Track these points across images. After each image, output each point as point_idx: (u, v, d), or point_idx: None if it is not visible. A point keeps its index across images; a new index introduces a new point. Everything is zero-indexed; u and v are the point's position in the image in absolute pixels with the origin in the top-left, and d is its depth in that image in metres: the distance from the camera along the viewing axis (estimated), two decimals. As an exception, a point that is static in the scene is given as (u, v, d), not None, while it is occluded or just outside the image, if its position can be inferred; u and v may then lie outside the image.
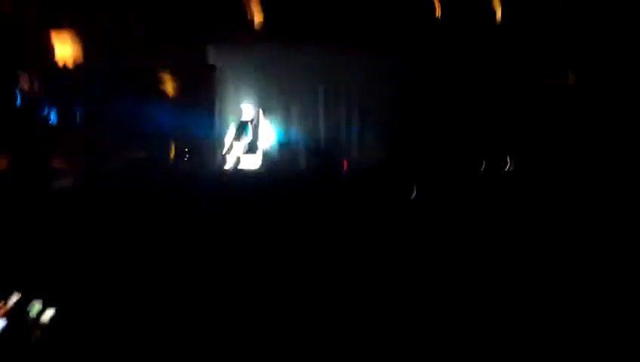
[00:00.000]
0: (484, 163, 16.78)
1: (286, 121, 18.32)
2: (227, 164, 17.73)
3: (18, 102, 16.12)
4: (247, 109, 18.19)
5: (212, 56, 18.19)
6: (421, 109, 17.93)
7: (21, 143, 14.83)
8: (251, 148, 18.03)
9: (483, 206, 14.56)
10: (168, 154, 16.67)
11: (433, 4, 18.27)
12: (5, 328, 9.02)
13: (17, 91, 16.48)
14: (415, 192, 15.57)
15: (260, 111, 18.27)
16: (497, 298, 11.33)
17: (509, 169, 16.71)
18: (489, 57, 17.69)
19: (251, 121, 18.20)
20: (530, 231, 13.34)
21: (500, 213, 14.21)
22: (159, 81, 17.71)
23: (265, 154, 18.06)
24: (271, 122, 18.26)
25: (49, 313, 9.45)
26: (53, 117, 15.72)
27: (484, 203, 14.69)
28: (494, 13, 18.09)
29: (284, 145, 18.15)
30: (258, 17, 18.91)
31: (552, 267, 12.12)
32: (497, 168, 16.71)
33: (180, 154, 16.86)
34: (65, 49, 17.46)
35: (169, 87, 17.89)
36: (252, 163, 17.82)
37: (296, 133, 18.28)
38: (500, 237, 13.23)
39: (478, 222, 13.85)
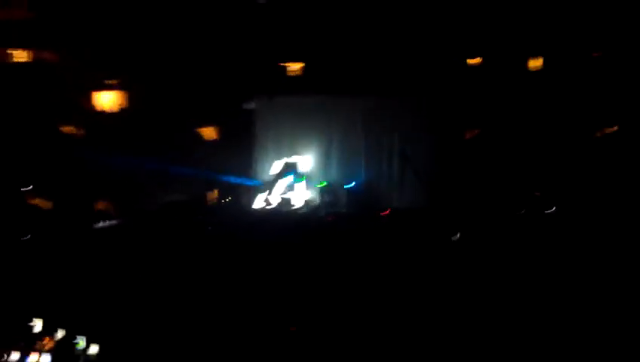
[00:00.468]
0: (524, 206, 16.70)
1: (326, 165, 18.49)
2: (268, 205, 17.87)
3: (63, 147, 16.57)
4: (289, 154, 18.41)
5: (254, 103, 18.58)
6: (461, 154, 17.98)
7: (66, 186, 15.14)
8: (292, 191, 18.17)
9: (523, 248, 14.46)
10: (209, 197, 16.87)
11: (471, 54, 18.50)
12: (51, 364, 9.12)
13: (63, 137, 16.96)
14: (457, 235, 15.53)
15: (301, 156, 18.47)
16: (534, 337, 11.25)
17: (549, 212, 16.60)
18: (529, 105, 17.75)
19: (293, 165, 18.38)
20: (567, 272, 13.26)
21: (541, 255, 14.10)
22: (201, 127, 18.11)
23: (306, 197, 18.18)
24: (311, 167, 18.43)
25: (93, 349, 9.53)
26: (99, 162, 16.09)
27: (525, 246, 14.58)
28: (534, 64, 18.23)
29: (324, 189, 18.26)
30: (298, 66, 19.32)
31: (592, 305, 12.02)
32: (537, 212, 16.60)
33: (221, 196, 17.06)
34: (110, 101, 18.17)
35: (212, 132, 18.26)
36: (293, 205, 17.93)
37: (336, 176, 18.41)
38: (541, 279, 13.13)
39: (518, 263, 13.75)
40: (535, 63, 18.20)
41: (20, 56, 19.15)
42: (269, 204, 17.81)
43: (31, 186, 14.61)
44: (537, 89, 17.77)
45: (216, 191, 17.00)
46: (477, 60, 18.52)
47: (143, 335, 10.35)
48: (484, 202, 16.92)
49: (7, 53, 19.02)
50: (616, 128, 17.20)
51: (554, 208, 16.60)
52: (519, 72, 17.93)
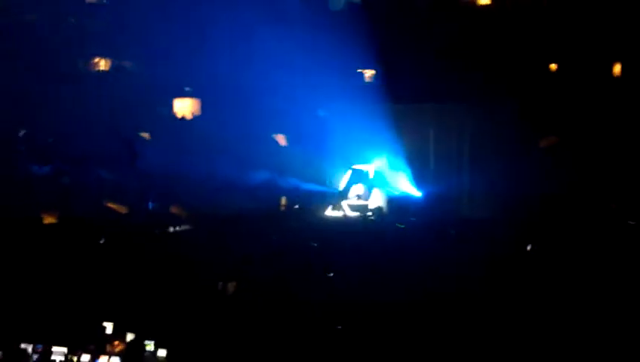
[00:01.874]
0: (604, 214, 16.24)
1: (397, 173, 18.41)
2: (339, 213, 17.91)
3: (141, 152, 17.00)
4: (360, 162, 18.42)
5: (326, 110, 18.69)
6: (537, 163, 17.63)
7: (141, 190, 15.48)
8: (362, 200, 18.15)
9: (599, 261, 14.05)
10: (279, 204, 17.03)
11: (548, 53, 18.14)
12: (120, 366, 9.34)
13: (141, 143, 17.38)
14: (531, 246, 15.20)
15: (372, 164, 18.45)
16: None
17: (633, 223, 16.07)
18: (609, 112, 17.28)
19: (363, 173, 18.38)
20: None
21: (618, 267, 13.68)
22: (274, 134, 18.32)
23: (375, 205, 18.13)
24: (383, 175, 18.39)
25: (162, 352, 9.70)
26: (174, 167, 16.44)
27: (601, 258, 14.16)
28: (611, 66, 17.77)
29: (394, 197, 18.19)
30: (370, 73, 19.36)
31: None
32: (614, 223, 16.09)
33: (292, 203, 17.20)
34: (186, 108, 18.68)
35: (284, 139, 18.46)
36: (363, 213, 17.91)
37: (406, 184, 18.31)
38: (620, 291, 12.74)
39: (593, 275, 13.38)
40: (618, 69, 17.78)
41: (102, 64, 19.82)
42: (339, 211, 17.84)
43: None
44: (618, 96, 17.33)
45: (284, 199, 17.13)
46: (555, 66, 18.22)
47: (211, 340, 10.49)
48: (559, 213, 16.52)
49: (91, 62, 19.70)
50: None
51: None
52: (600, 78, 17.53)
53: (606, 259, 13.99)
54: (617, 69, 17.88)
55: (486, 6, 18.65)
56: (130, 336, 9.83)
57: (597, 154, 17.09)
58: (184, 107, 19.04)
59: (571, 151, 17.30)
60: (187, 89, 19.07)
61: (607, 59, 17.66)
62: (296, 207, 17.15)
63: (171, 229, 14.86)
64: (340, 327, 11.22)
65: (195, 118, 18.94)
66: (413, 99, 18.23)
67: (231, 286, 12.53)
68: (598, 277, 13.38)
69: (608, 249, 14.35)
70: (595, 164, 17.02)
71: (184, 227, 15.04)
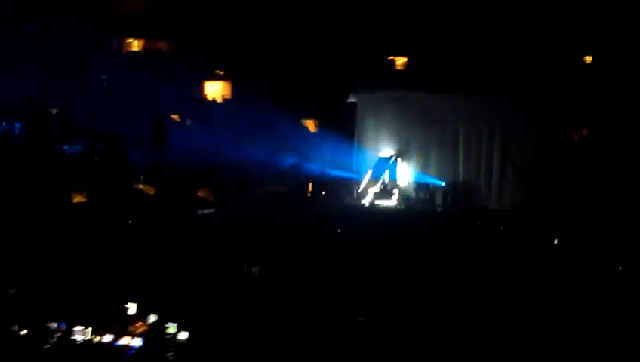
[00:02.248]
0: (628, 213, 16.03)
1: (424, 162, 18.36)
2: (364, 200, 17.90)
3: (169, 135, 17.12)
4: (387, 149, 18.37)
5: (355, 96, 18.66)
6: (563, 156, 17.46)
7: (169, 173, 15.61)
8: (388, 187, 18.13)
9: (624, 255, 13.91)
10: (306, 190, 17.08)
11: (579, 52, 17.94)
12: (142, 347, 9.45)
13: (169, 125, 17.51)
14: (556, 240, 15.08)
15: (399, 152, 18.40)
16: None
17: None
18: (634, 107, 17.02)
19: (390, 160, 18.33)
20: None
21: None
22: (299, 122, 18.34)
23: (401, 194, 18.10)
24: (409, 163, 18.34)
25: (183, 335, 9.81)
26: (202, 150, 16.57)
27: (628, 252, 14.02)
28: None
29: (421, 185, 18.14)
30: (401, 61, 19.25)
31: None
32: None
33: (317, 190, 17.24)
34: (217, 91, 18.73)
35: (311, 126, 18.48)
36: (388, 201, 17.89)
37: (434, 173, 18.25)
38: None
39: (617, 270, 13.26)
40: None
41: (135, 45, 19.97)
42: (366, 198, 17.84)
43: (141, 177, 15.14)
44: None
45: (310, 184, 17.17)
46: (588, 59, 18.00)
47: (233, 325, 10.57)
48: (588, 206, 16.36)
49: (125, 42, 19.87)
50: None
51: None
52: (633, 73, 17.27)
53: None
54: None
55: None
56: (152, 318, 9.94)
57: (632, 148, 16.87)
58: (215, 90, 19.15)
59: (605, 143, 17.11)
60: (219, 72, 19.19)
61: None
62: (323, 193, 17.17)
63: (198, 212, 14.97)
64: (362, 319, 11.24)
65: (225, 102, 19.04)
66: (443, 89, 18.11)
67: (255, 270, 12.61)
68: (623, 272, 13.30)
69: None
70: (629, 158, 16.81)
71: (211, 210, 15.14)
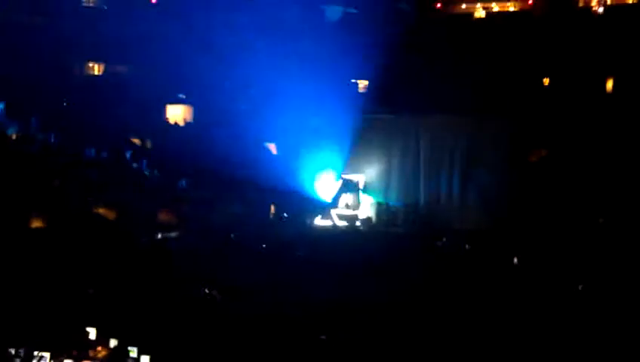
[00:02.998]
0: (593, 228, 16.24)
1: (386, 183, 18.46)
2: (328, 222, 17.92)
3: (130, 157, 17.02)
4: (349, 172, 18.46)
5: (318, 118, 18.72)
6: (527, 175, 17.65)
7: (128, 197, 15.48)
8: (351, 209, 18.19)
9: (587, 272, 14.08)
10: (268, 211, 17.01)
11: (540, 72, 18.22)
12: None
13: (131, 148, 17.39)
14: (516, 260, 15.24)
15: (361, 174, 18.49)
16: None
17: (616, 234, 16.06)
18: (599, 126, 17.30)
19: (353, 183, 18.41)
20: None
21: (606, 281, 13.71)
22: (263, 142, 18.36)
23: (365, 215, 18.16)
24: (371, 185, 18.43)
25: (145, 360, 9.67)
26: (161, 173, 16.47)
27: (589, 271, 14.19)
28: (604, 84, 17.82)
29: (383, 207, 18.22)
30: (362, 84, 19.44)
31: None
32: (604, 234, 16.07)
33: (279, 211, 17.19)
34: (177, 118, 18.77)
35: (273, 148, 18.51)
36: (351, 221, 17.94)
37: (396, 194, 18.36)
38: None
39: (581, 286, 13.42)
40: (609, 85, 17.83)
41: (95, 69, 19.87)
42: (328, 220, 17.86)
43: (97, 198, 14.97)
44: (607, 110, 17.37)
45: (273, 207, 17.12)
46: (546, 81, 18.28)
47: (195, 347, 10.47)
48: (548, 224, 16.55)
49: (86, 66, 19.77)
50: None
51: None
52: (590, 93, 17.58)
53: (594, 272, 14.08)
54: (610, 84, 17.94)
55: (481, 20, 18.76)
56: (113, 342, 9.80)
57: (590, 167, 17.12)
58: (176, 114, 19.12)
59: (563, 163, 17.36)
60: (180, 96, 19.15)
61: (599, 74, 17.72)
62: (285, 215, 17.14)
63: (159, 236, 14.84)
64: (323, 337, 11.22)
65: (186, 125, 18.99)
66: (405, 110, 18.28)
67: (216, 293, 12.53)
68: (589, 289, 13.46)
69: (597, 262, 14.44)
70: (587, 177, 17.06)
71: (173, 234, 15.03)
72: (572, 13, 18.16)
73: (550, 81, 18.08)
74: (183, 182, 16.69)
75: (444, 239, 16.13)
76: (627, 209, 16.02)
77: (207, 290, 12.44)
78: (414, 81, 17.96)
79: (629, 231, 15.36)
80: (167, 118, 19.09)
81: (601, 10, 18.05)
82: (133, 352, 9.76)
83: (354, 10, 19.89)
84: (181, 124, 19.11)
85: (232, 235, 15.23)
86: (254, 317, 11.75)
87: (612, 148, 16.66)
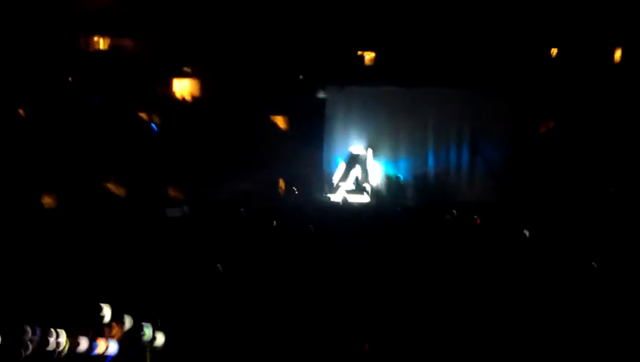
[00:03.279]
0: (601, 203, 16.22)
1: (395, 156, 18.39)
2: (336, 197, 17.88)
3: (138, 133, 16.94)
4: (357, 145, 18.37)
5: (324, 92, 18.63)
6: (535, 147, 17.62)
7: (139, 173, 15.45)
8: (360, 183, 18.13)
9: (596, 246, 14.06)
10: (277, 187, 17.01)
11: (547, 43, 18.08)
12: (119, 351, 9.31)
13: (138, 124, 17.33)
14: (527, 233, 15.21)
15: (370, 147, 18.41)
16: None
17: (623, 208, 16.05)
18: (608, 98, 17.23)
19: (360, 156, 18.34)
20: None
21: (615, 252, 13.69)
22: (270, 119, 18.24)
23: (373, 188, 18.12)
24: (380, 158, 18.36)
25: (160, 338, 9.69)
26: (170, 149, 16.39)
27: (597, 243, 14.17)
28: (611, 54, 17.72)
29: (392, 180, 18.17)
30: (371, 56, 19.25)
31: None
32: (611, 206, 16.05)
33: (289, 186, 17.18)
34: (185, 89, 18.55)
35: (280, 123, 18.40)
36: (360, 197, 17.89)
37: (405, 169, 18.30)
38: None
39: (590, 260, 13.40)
40: (616, 55, 17.73)
41: (100, 43, 19.72)
42: (337, 194, 17.82)
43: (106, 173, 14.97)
44: (617, 82, 17.29)
45: (282, 181, 17.10)
46: (554, 51, 18.15)
47: (210, 327, 10.50)
48: (557, 197, 16.53)
49: (89, 41, 19.60)
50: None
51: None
52: (598, 65, 17.49)
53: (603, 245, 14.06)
54: (617, 55, 17.81)
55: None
56: (128, 321, 9.82)
57: (599, 138, 17.07)
58: (183, 87, 18.95)
59: (572, 135, 17.31)
60: (186, 69, 19.01)
61: (605, 48, 17.61)
62: (295, 190, 17.11)
63: (171, 214, 14.84)
64: (336, 314, 11.24)
65: (193, 101, 18.88)
66: (413, 83, 18.15)
67: (228, 271, 12.55)
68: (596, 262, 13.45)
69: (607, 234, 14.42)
70: (596, 148, 17.02)
71: (184, 211, 15.02)
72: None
73: (558, 51, 17.94)
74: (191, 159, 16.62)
75: (454, 212, 16.08)
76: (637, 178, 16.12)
77: (220, 267, 12.46)
78: (423, 53, 17.82)
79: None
80: (173, 93, 18.93)
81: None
82: (148, 331, 9.78)
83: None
84: (188, 99, 18.98)
85: (241, 210, 15.19)
86: (267, 296, 11.79)
87: (620, 118, 16.65)
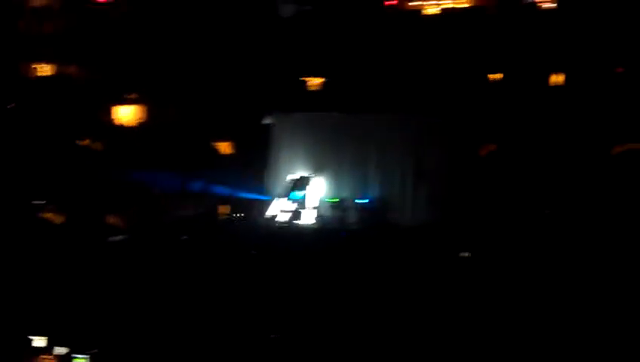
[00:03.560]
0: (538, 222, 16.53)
1: (340, 181, 18.49)
2: (280, 219, 17.90)
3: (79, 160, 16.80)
4: (302, 170, 18.46)
5: (270, 118, 18.70)
6: (472, 171, 17.89)
7: (79, 199, 15.31)
8: (303, 207, 18.19)
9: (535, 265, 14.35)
10: (221, 211, 16.96)
11: (485, 72, 18.44)
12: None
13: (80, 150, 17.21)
14: (467, 253, 15.47)
15: (314, 172, 18.51)
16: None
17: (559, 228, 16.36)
18: (546, 121, 17.59)
19: (306, 181, 18.41)
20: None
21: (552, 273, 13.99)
22: (213, 144, 18.25)
23: (317, 212, 18.19)
24: (324, 182, 18.45)
25: (93, 366, 9.60)
26: (112, 175, 16.25)
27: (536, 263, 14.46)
28: (555, 80, 18.10)
29: (336, 204, 18.26)
30: (318, 82, 19.43)
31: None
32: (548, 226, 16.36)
33: (232, 211, 17.14)
34: (127, 119, 18.51)
35: (224, 148, 18.42)
36: (304, 219, 17.95)
37: (349, 192, 18.39)
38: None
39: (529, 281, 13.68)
40: (556, 79, 18.10)
41: (44, 70, 19.58)
42: (281, 218, 17.85)
43: (44, 201, 14.81)
44: (555, 105, 17.66)
45: (227, 206, 17.06)
46: (496, 76, 18.48)
47: (146, 354, 10.44)
48: (497, 219, 16.79)
49: (32, 67, 19.45)
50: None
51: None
52: (537, 89, 17.84)
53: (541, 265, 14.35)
54: (560, 77, 18.21)
55: (432, 16, 18.87)
56: (61, 351, 9.73)
57: (537, 161, 17.40)
58: (124, 114, 18.91)
59: (512, 158, 17.62)
60: (127, 95, 18.96)
61: (548, 67, 18.00)
62: (238, 215, 17.08)
63: (110, 239, 14.72)
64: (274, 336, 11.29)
65: (137, 127, 18.79)
66: (358, 109, 18.34)
67: (167, 298, 12.51)
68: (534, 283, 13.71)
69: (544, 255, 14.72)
70: (535, 171, 17.34)
71: (122, 236, 14.90)
72: (518, 8, 18.40)
73: (498, 76, 18.28)
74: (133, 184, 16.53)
75: (396, 236, 16.27)
76: (572, 201, 16.44)
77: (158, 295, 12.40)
78: (364, 80, 18.04)
79: (573, 222, 15.87)
80: (116, 119, 18.86)
81: (546, 5, 18.31)
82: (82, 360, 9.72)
83: (308, 7, 19.86)
84: (131, 125, 18.91)
85: (183, 237, 15.17)
86: (206, 322, 11.76)
87: (559, 141, 17.01)
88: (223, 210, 17.19)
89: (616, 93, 17.18)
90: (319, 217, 18.01)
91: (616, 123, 16.88)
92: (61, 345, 9.78)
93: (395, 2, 19.10)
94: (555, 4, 18.03)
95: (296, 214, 17.97)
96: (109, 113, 18.50)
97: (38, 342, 9.83)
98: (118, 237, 14.79)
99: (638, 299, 12.72)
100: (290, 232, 17.37)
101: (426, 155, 18.04)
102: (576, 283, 13.65)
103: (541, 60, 17.77)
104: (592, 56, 17.57)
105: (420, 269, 14.70)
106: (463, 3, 18.65)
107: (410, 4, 19.23)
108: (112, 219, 15.27)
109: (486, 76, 18.26)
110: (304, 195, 18.21)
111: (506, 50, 17.93)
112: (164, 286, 12.91)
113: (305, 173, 18.44)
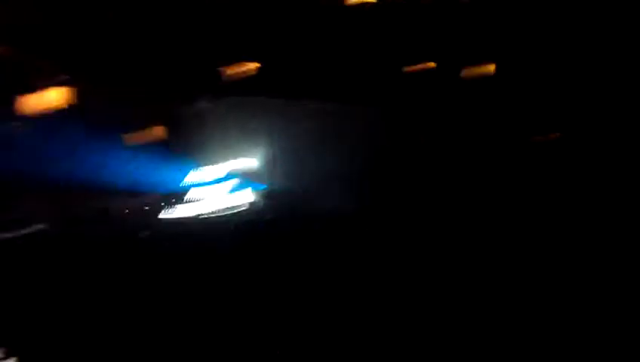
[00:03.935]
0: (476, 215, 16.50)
1: (269, 168, 18.32)
2: (209, 210, 17.72)
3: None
4: (230, 157, 18.24)
5: (196, 104, 18.43)
6: (412, 159, 17.81)
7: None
8: (235, 196, 18.01)
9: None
10: (141, 204, 16.72)
11: (422, 56, 18.21)
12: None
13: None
14: (404, 243, 15.50)
15: (243, 159, 18.30)
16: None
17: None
18: (480, 110, 17.55)
19: (234, 169, 18.21)
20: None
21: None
22: (135, 129, 17.92)
23: (247, 201, 18.03)
24: (254, 170, 18.28)
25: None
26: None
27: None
28: (488, 66, 17.95)
29: (266, 193, 18.11)
30: (243, 68, 19.13)
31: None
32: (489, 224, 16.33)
33: (155, 203, 16.90)
34: (42, 100, 18.04)
35: (145, 134, 18.10)
36: (232, 210, 17.78)
37: (279, 180, 18.24)
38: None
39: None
40: (486, 69, 17.97)
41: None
42: (204, 209, 17.66)
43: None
44: (484, 95, 17.57)
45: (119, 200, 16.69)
46: (424, 65, 18.29)
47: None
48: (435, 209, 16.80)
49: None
50: (558, 135, 16.92)
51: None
52: (464, 78, 17.71)
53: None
54: (490, 67, 18.06)
55: (353, 5, 18.59)
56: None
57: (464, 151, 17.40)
58: (49, 98, 18.49)
59: (434, 146, 17.61)
60: (55, 78, 18.50)
61: (476, 58, 17.84)
62: (127, 211, 16.76)
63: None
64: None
65: (61, 111, 18.42)
66: (292, 94, 18.13)
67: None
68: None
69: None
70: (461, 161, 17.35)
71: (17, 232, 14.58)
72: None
73: (421, 67, 18.10)
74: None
75: (315, 224, 16.22)
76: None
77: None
78: (287, 66, 17.80)
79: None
80: (40, 103, 18.44)
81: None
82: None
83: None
84: (56, 108, 18.52)
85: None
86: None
87: (476, 134, 17.01)
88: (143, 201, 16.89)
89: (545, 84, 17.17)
90: (248, 206, 17.87)
91: (538, 113, 16.91)
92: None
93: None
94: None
95: (223, 204, 17.85)
96: (30, 96, 18.14)
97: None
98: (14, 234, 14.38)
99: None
100: (215, 224, 17.25)
101: (349, 144, 17.94)
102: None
103: (472, 49, 17.69)
104: (525, 45, 17.52)
105: (338, 259, 14.66)
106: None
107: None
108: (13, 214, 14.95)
109: (415, 65, 18.12)
110: (232, 184, 18.08)
111: (437, 38, 17.81)
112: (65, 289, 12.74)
113: (233, 161, 18.27)
